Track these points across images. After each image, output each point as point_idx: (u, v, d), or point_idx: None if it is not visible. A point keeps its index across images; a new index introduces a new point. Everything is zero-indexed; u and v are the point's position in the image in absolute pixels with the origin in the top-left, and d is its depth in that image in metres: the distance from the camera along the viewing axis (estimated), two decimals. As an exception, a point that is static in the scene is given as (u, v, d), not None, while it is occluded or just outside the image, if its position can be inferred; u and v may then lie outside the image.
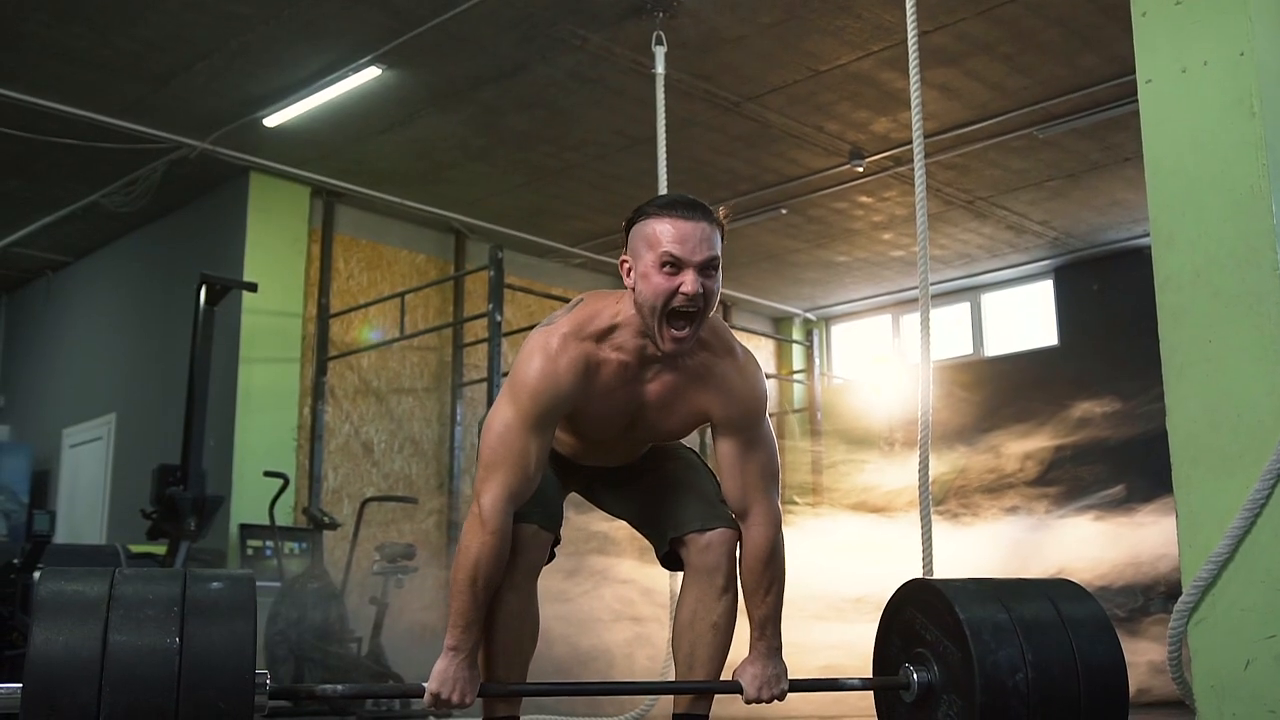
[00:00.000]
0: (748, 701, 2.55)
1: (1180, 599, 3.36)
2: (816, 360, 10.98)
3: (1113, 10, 5.74)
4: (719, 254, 2.35)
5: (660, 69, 5.55)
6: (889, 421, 10.14)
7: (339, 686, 2.54)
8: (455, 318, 8.98)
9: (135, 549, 6.63)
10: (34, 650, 1.93)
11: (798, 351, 11.72)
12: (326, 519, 6.65)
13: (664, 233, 2.32)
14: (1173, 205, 3.61)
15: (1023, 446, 8.16)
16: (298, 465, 8.07)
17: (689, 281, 2.30)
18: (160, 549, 6.43)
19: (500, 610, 2.47)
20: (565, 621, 5.66)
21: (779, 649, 2.59)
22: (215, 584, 2.15)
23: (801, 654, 5.36)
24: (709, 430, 2.61)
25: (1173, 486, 3.44)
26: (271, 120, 7.28)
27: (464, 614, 2.36)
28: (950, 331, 11.04)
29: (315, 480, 8.12)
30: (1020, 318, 10.72)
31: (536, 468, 2.39)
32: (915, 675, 2.64)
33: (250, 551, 7.34)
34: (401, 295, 8.43)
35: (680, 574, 2.67)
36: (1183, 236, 3.55)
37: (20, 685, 1.92)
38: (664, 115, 5.24)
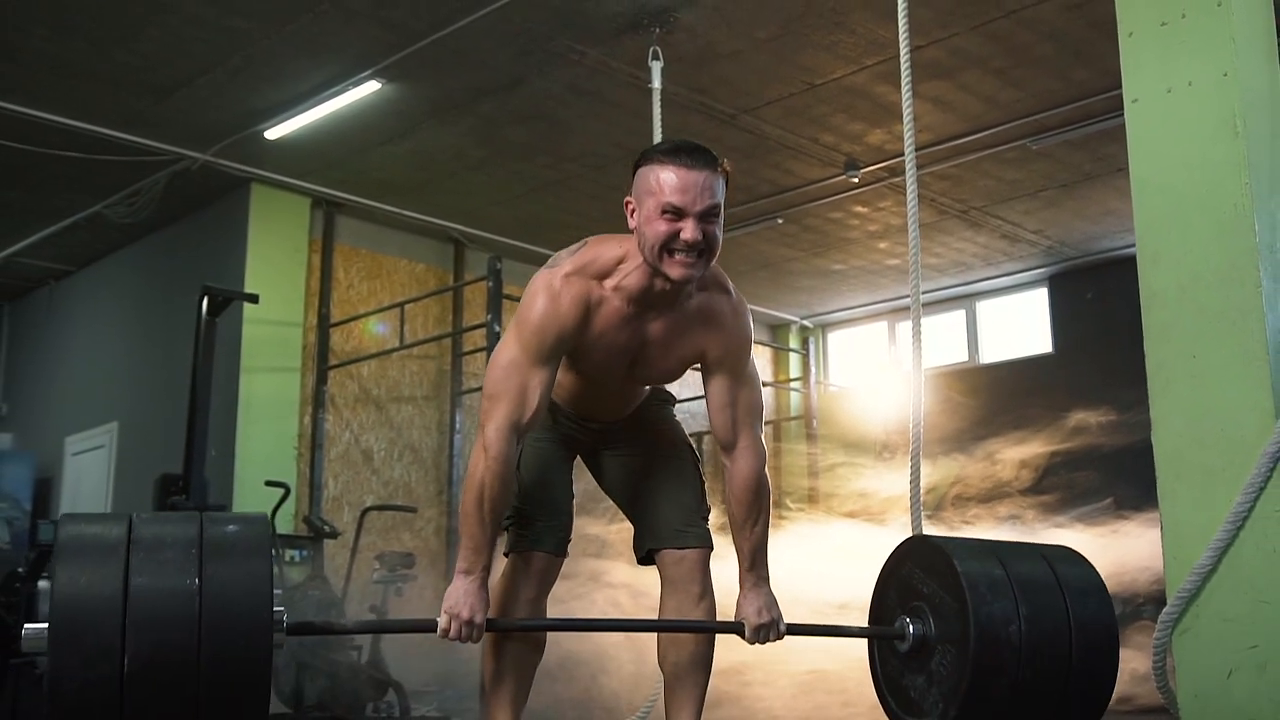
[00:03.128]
0: (751, 640, 2.62)
1: (1165, 610, 3.41)
2: (813, 368, 11.05)
3: (1104, 25, 5.80)
4: (720, 201, 2.43)
5: (657, 83, 5.63)
6: (885, 428, 10.21)
7: (352, 621, 2.62)
8: (454, 327, 9.05)
9: (137, 557, 6.69)
10: (58, 593, 2.00)
11: (794, 360, 11.79)
12: (327, 528, 6.72)
13: (666, 181, 2.38)
14: (1158, 223, 3.66)
15: (1018, 454, 8.23)
16: (298, 474, 8.13)
17: (689, 229, 2.38)
18: (162, 557, 6.48)
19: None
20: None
21: (767, 579, 2.67)
22: (231, 525, 2.23)
23: (789, 656, 5.42)
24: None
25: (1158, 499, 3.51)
26: (272, 133, 7.35)
27: (473, 538, 2.44)
28: (946, 339, 11.12)
29: (316, 488, 8.19)
30: (1015, 325, 10.82)
31: (538, 401, 2.48)
32: (911, 627, 2.71)
33: (251, 559, 7.39)
34: (401, 305, 8.51)
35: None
36: (1168, 254, 3.60)
37: (47, 625, 2.00)
38: (660, 128, 5.31)
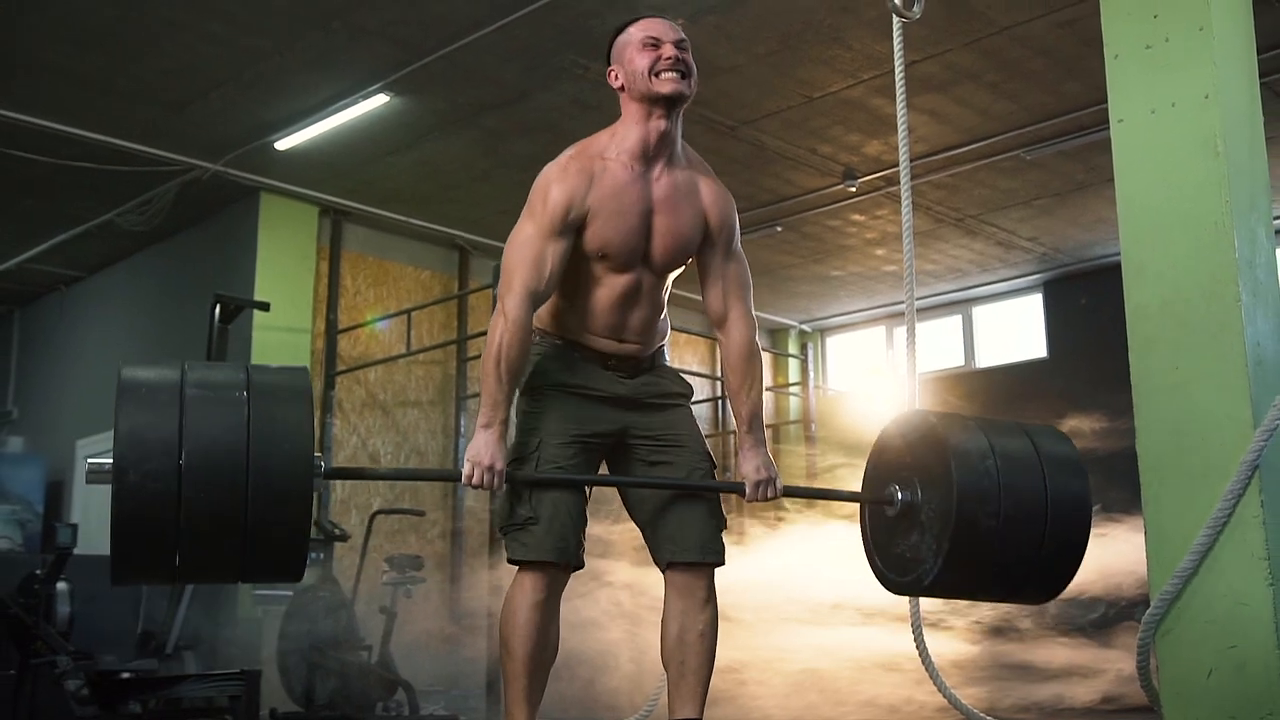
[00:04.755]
0: (749, 497, 2.80)
1: (1148, 611, 3.52)
2: (811, 373, 11.18)
3: (1094, 41, 5.89)
4: (687, 40, 2.81)
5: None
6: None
7: (384, 468, 2.82)
8: (459, 334, 9.19)
9: (151, 559, 6.82)
10: (122, 414, 2.29)
11: (793, 365, 11.92)
12: (337, 531, 6.85)
13: (640, 28, 2.81)
14: (1143, 239, 3.80)
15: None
16: (307, 477, 8.24)
17: (668, 49, 2.74)
18: (176, 560, 6.61)
19: (528, 625, 2.72)
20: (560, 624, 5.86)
21: (764, 440, 2.88)
22: (273, 365, 2.52)
23: (783, 654, 5.55)
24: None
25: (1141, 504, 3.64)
26: (282, 144, 7.49)
27: (492, 395, 2.67)
28: (942, 343, 11.26)
29: (324, 491, 8.30)
30: (1010, 330, 10.95)
31: (551, 270, 2.70)
32: (900, 493, 2.88)
33: (262, 561, 7.51)
34: (409, 312, 8.65)
35: None
36: (1152, 269, 3.73)
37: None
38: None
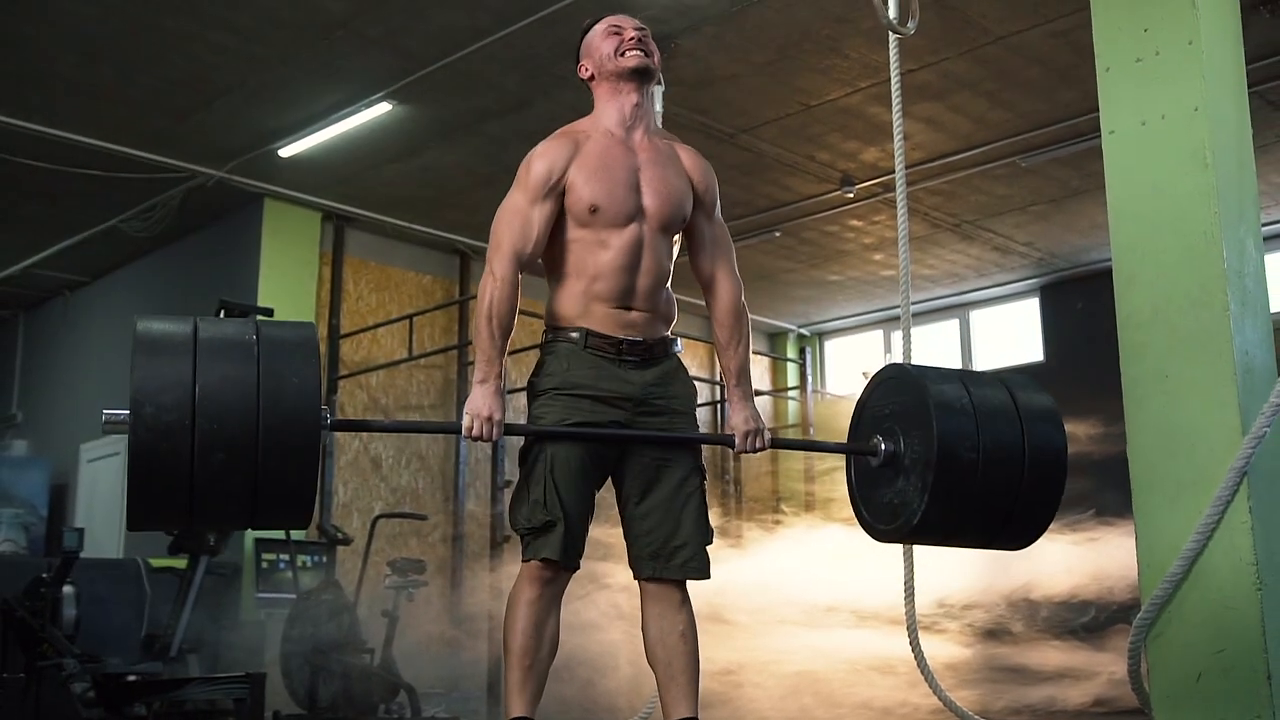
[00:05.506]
0: (739, 448, 2.92)
1: (1139, 615, 3.55)
2: (809, 377, 11.23)
3: (1087, 51, 5.93)
4: (648, 29, 3.02)
5: (659, 105, 5.81)
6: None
7: (388, 420, 2.88)
8: (460, 339, 9.25)
9: (156, 563, 6.89)
10: (138, 349, 2.34)
11: (792, 369, 11.98)
12: (340, 534, 6.91)
13: (604, 22, 3.01)
14: (1133, 248, 3.87)
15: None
16: (309, 481, 8.30)
17: (630, 31, 2.95)
18: (180, 563, 6.68)
19: (526, 619, 2.79)
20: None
21: (752, 394, 3.01)
22: (281, 321, 2.65)
23: (779, 656, 5.61)
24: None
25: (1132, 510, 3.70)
26: (286, 151, 7.56)
27: (485, 351, 2.80)
28: (940, 347, 11.31)
29: (326, 495, 8.35)
30: (1007, 334, 11.00)
31: (537, 233, 2.85)
32: (883, 445, 2.95)
33: (265, 565, 7.59)
34: (410, 317, 8.71)
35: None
36: (1142, 278, 3.80)
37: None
38: (662, 148, 5.51)
